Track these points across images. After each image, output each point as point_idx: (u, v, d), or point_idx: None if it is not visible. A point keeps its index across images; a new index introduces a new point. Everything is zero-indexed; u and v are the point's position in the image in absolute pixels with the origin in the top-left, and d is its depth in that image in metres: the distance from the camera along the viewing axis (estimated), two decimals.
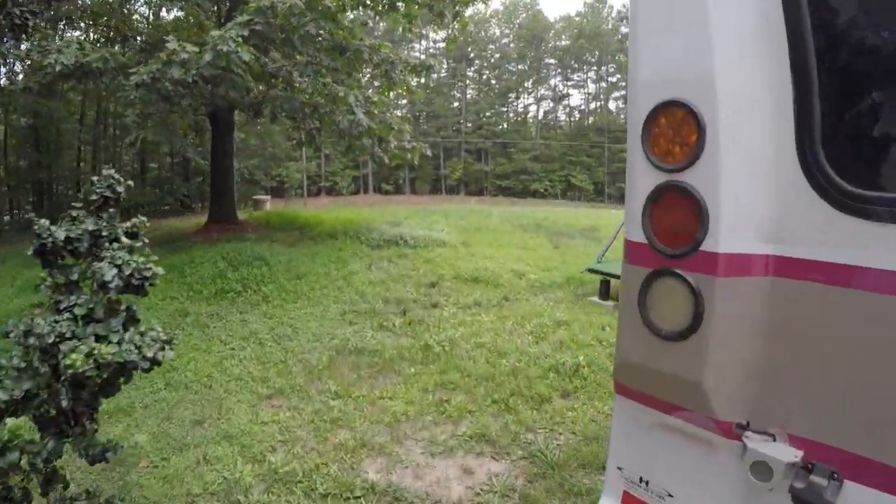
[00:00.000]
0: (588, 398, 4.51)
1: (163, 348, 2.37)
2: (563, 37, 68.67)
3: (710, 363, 1.42)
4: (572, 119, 71.27)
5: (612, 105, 70.19)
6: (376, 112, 12.17)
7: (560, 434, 3.97)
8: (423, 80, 59.55)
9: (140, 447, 3.83)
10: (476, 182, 63.58)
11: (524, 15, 67.49)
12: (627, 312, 1.57)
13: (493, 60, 67.75)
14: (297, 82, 11.32)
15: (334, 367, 5.13)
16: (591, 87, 70.35)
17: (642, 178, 1.61)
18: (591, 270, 8.25)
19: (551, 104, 70.68)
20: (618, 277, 7.83)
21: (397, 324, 6.39)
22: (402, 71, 11.59)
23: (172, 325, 6.45)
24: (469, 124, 65.53)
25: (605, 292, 7.94)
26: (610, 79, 70.01)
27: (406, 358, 5.27)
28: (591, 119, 69.23)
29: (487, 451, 3.74)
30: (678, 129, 1.41)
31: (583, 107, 71.04)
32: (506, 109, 69.42)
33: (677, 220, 1.42)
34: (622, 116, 69.15)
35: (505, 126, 67.47)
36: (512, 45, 67.45)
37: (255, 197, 25.13)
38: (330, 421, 4.12)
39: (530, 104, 71.02)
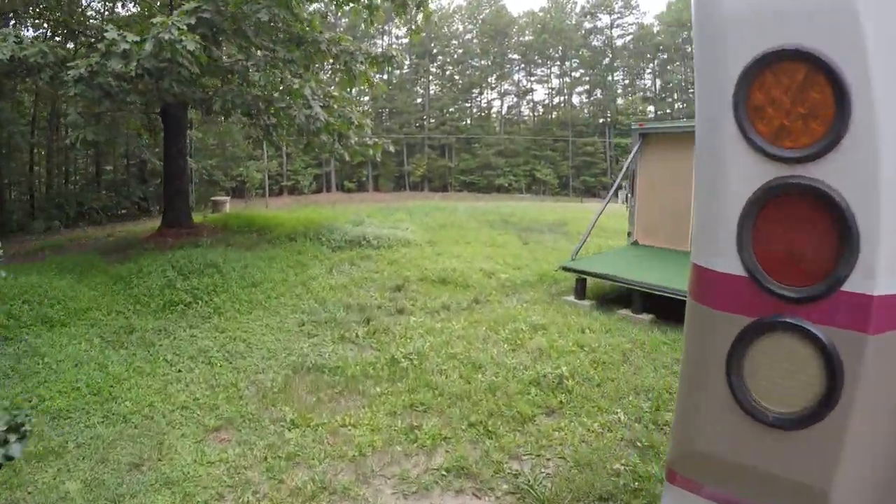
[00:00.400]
0: (575, 414, 4.11)
1: (5, 441, 1.70)
2: (527, 32, 68.78)
3: (847, 464, 0.90)
4: (536, 114, 71.59)
5: (575, 100, 70.95)
6: (336, 107, 11.55)
7: (548, 460, 3.54)
8: (385, 75, 58.83)
9: (70, 499, 3.25)
10: (440, 178, 63.16)
11: (488, 10, 67.26)
12: (704, 382, 1.07)
13: (456, 56, 67.46)
14: (252, 76, 10.64)
15: (291, 388, 4.58)
16: (555, 82, 70.82)
17: (737, 173, 0.98)
18: (565, 268, 7.90)
19: (515, 99, 70.91)
20: (594, 276, 7.55)
21: (360, 334, 5.87)
22: (362, 63, 10.98)
23: (116, 344, 5.79)
24: (432, 120, 65.09)
25: (580, 291, 7.60)
26: (573, 73, 70.56)
27: (371, 375, 4.74)
28: (554, 114, 69.63)
29: (468, 486, 3.29)
30: (800, 94, 0.85)
31: (546, 101, 71.50)
32: (469, 105, 69.24)
33: (801, 240, 0.89)
34: (586, 111, 69.95)
35: (468, 121, 67.32)
36: (475, 40, 67.27)
37: (213, 198, 24.12)
38: (285, 458, 3.59)
39: (494, 99, 71.10)
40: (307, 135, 11.51)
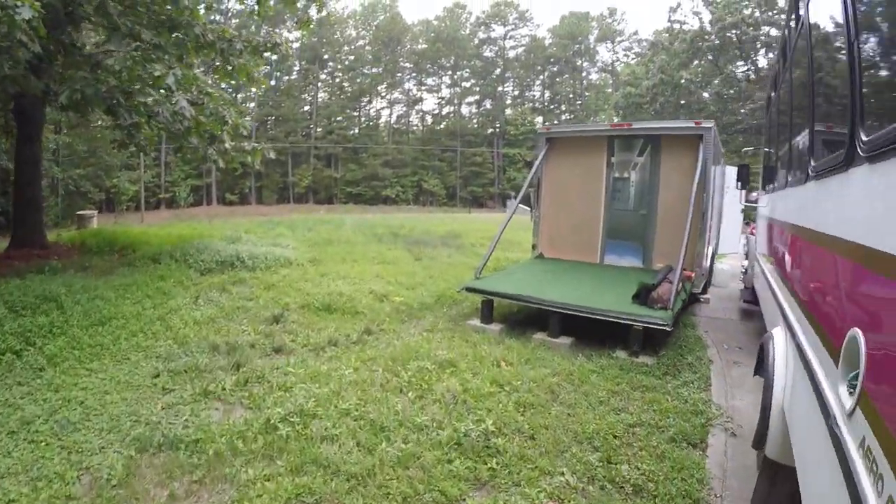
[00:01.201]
0: (513, 483, 3.37)
1: None
2: (421, 40, 68.82)
3: None
4: (425, 124, 71.79)
5: (464, 110, 72.07)
6: (210, 105, 10.03)
7: None
8: (273, 80, 55.44)
9: None
10: (326, 189, 61.33)
11: (382, 17, 66.39)
12: None
13: (347, 62, 65.91)
14: (108, 62, 8.91)
15: (134, 479, 3.41)
16: (445, 92, 71.53)
17: None
18: (468, 289, 7.28)
19: (404, 108, 70.63)
20: (502, 297, 6.94)
21: (228, 385, 4.77)
22: (241, 51, 9.52)
23: None
24: (319, 129, 63.09)
25: (487, 314, 7.04)
26: (464, 84, 71.53)
27: (241, 450, 3.68)
28: (443, 124, 70.15)
29: None
30: None
31: (436, 111, 72.04)
32: (358, 114, 68.03)
33: None
34: (475, 121, 71.04)
35: (356, 131, 66.15)
36: (368, 47, 66.15)
37: (79, 212, 21.04)
38: None
39: (383, 108, 70.63)
40: (176, 137, 9.96)
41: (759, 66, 37.86)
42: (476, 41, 69.82)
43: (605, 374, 5.34)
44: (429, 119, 71.09)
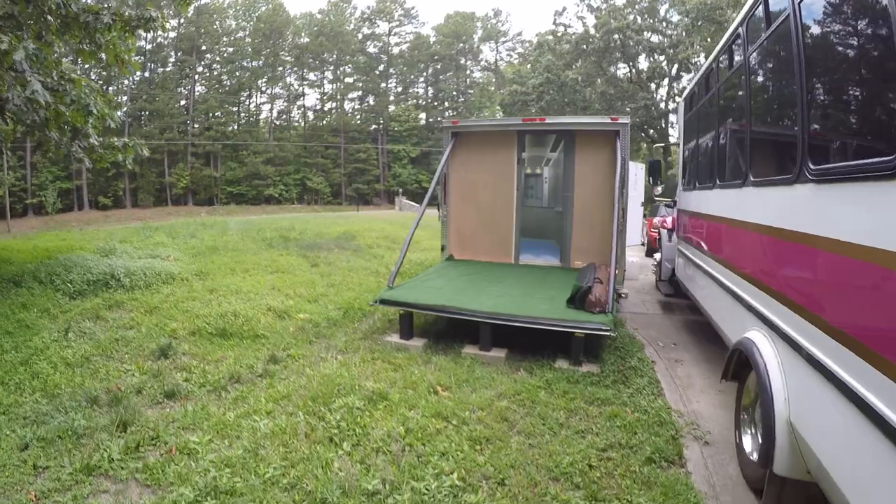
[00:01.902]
0: None
1: None
2: (304, 34, 65.73)
3: None
4: (307, 120, 68.88)
5: (347, 106, 70.14)
6: (73, 93, 8.07)
7: None
8: (142, 54, 49.63)
9: None
10: (205, 190, 57.08)
11: (264, 7, 62.40)
12: None
13: (226, 55, 61.41)
14: None
15: None
16: (328, 87, 68.97)
17: None
18: (383, 302, 6.40)
19: (286, 104, 67.30)
20: (424, 309, 6.16)
21: (116, 454, 3.54)
22: (109, 26, 7.66)
23: None
24: (196, 125, 58.37)
25: (407, 328, 6.25)
26: (347, 79, 69.33)
27: None
28: (326, 120, 67.67)
29: None
30: None
31: (318, 107, 69.25)
32: (237, 109, 63.73)
33: None
34: (358, 117, 69.28)
35: (236, 127, 61.92)
36: (248, 39, 62.04)
37: None
38: None
39: (264, 103, 66.87)
40: (31, 130, 7.99)
41: (640, 68, 40.32)
42: (360, 36, 68.30)
43: (553, 389, 4.87)
44: (311, 115, 68.47)
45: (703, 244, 5.96)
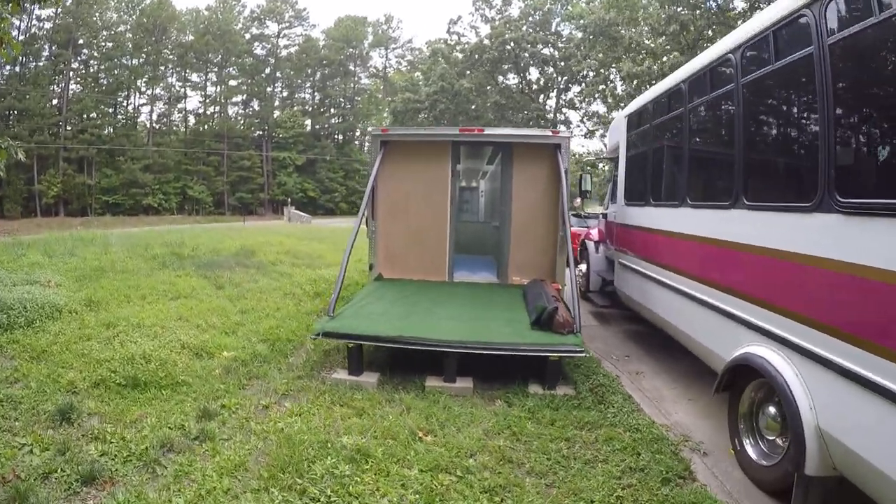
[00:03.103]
0: None
1: None
2: (189, 31, 60.40)
3: None
4: (188, 124, 63.84)
5: (231, 110, 65.91)
6: None
7: None
8: (18, 28, 42.28)
9: None
10: (79, 199, 50.84)
11: (148, 1, 56.41)
12: None
13: (105, 50, 54.76)
14: None
15: None
16: (211, 90, 64.28)
17: None
18: (327, 335, 5.57)
19: (166, 106, 61.69)
20: (377, 341, 5.48)
21: None
22: None
23: None
24: (70, 127, 51.57)
25: (357, 363, 5.50)
26: (231, 82, 65.00)
27: None
28: (207, 124, 63.01)
29: None
30: None
31: (201, 110, 64.34)
32: (114, 110, 57.23)
33: None
34: (242, 122, 65.49)
35: (112, 130, 55.61)
36: (129, 34, 55.71)
37: None
38: None
39: (143, 105, 60.76)
40: None
41: (530, 79, 41.65)
42: (248, 36, 64.54)
43: (539, 419, 4.61)
44: (192, 119, 63.60)
45: (666, 261, 5.93)
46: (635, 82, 28.51)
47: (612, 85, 33.96)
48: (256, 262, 12.55)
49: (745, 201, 4.16)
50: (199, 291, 9.02)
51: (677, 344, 5.91)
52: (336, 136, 71.97)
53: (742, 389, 3.99)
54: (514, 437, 4.25)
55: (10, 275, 8.00)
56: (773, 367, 3.48)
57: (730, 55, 4.52)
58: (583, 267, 10.13)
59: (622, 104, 30.79)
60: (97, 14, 52.73)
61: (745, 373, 3.88)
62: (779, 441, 3.68)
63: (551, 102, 44.48)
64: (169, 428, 4.13)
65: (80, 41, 52.10)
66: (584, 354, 5.31)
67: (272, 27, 65.93)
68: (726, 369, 4.03)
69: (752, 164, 4.30)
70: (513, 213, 8.32)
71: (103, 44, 54.22)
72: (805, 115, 3.76)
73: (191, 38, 59.73)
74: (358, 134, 75.00)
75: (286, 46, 67.04)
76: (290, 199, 52.57)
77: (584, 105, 42.45)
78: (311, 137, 66.26)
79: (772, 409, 3.74)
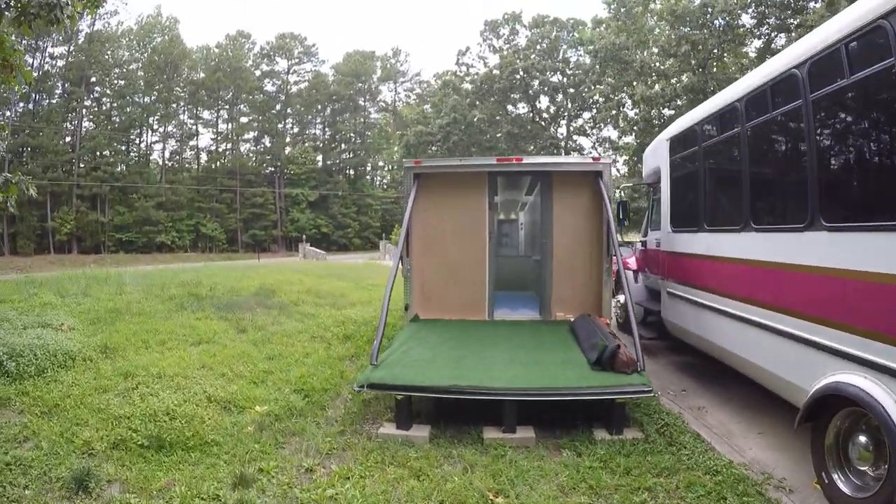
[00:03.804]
0: None
1: None
2: (200, 68, 61.53)
3: None
4: (200, 162, 64.64)
5: (243, 147, 66.58)
6: None
7: None
8: (31, 65, 43.03)
9: None
10: (92, 236, 51.05)
11: (159, 39, 57.56)
12: None
13: (117, 87, 55.74)
14: None
15: None
16: (223, 127, 65.06)
17: None
18: (372, 387, 5.05)
19: (178, 144, 62.55)
20: (426, 391, 4.98)
21: None
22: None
23: None
24: (83, 164, 52.19)
25: (405, 417, 4.95)
26: (242, 118, 65.89)
27: None
28: (220, 161, 63.72)
29: None
30: None
31: (213, 147, 65.11)
32: (126, 147, 57.95)
33: None
34: (254, 159, 66.18)
35: (125, 167, 56.33)
36: (141, 72, 56.75)
37: None
38: None
39: (155, 142, 61.56)
40: None
41: (540, 107, 41.69)
42: (259, 73, 65.46)
43: (612, 468, 4.25)
44: (204, 157, 64.20)
45: (729, 289, 5.64)
46: (642, 106, 28.36)
47: (623, 110, 33.82)
48: (278, 303, 12.05)
49: (824, 223, 3.95)
50: (221, 336, 8.53)
51: (733, 374, 5.83)
52: (348, 172, 72.29)
53: (828, 420, 3.82)
54: (592, 492, 3.90)
55: (20, 316, 7.57)
56: (869, 394, 3.35)
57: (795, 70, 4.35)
58: (620, 298, 9.68)
59: (636, 128, 30.62)
60: (109, 52, 53.54)
61: (833, 403, 3.74)
62: (870, 471, 3.53)
63: (562, 130, 44.47)
64: (202, 499, 3.62)
65: (93, 79, 52.89)
66: (653, 395, 5.02)
67: (282, 63, 66.95)
68: (812, 400, 3.85)
69: (832, 183, 4.12)
70: (554, 245, 7.93)
71: (115, 81, 54.93)
72: (884, 129, 3.66)
73: (202, 75, 60.52)
74: (369, 168, 75.43)
75: (296, 82, 67.91)
76: (304, 236, 52.35)
77: (595, 131, 42.46)
78: (322, 173, 66.53)
79: (862, 439, 3.59)
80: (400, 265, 7.39)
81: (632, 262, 9.56)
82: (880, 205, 3.60)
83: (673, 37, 25.75)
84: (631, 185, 16.45)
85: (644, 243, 9.26)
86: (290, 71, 67.53)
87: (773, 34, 26.12)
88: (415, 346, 6.26)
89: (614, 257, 6.83)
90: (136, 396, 5.26)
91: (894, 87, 3.24)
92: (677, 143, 7.38)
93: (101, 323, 8.22)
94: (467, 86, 42.16)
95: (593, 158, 7.79)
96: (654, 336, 8.43)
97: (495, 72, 40.19)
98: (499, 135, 40.54)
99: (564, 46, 42.64)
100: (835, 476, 3.74)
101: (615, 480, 4.04)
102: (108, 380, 5.78)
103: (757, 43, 27.79)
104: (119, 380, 5.80)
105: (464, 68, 44.72)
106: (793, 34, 23.32)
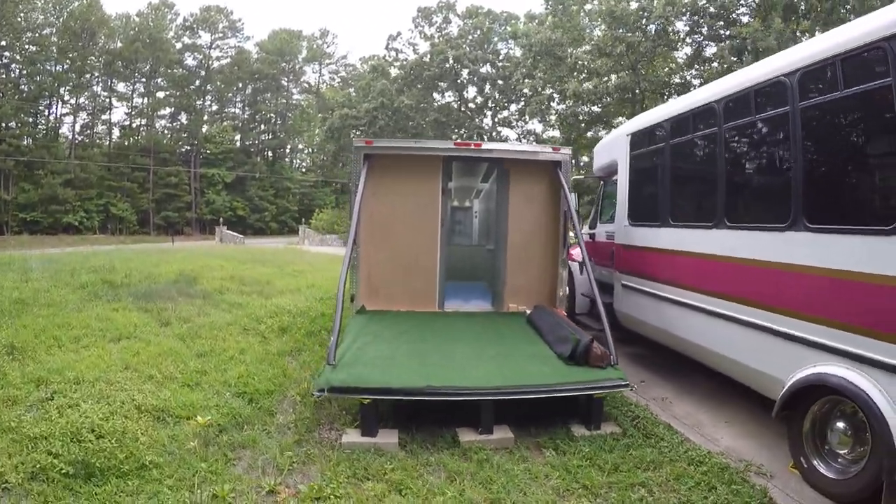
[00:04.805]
0: None
1: None
2: (118, 37, 56.23)
3: None
4: (112, 137, 59.54)
5: (158, 124, 61.89)
6: None
7: None
8: None
9: None
10: None
11: (77, 3, 51.87)
12: None
13: (28, 54, 49.92)
14: None
15: None
16: (138, 101, 60.19)
17: None
18: (334, 391, 4.56)
19: (90, 117, 57.08)
20: (396, 394, 4.59)
21: None
22: None
23: None
24: None
25: (371, 421, 4.51)
26: (159, 93, 61.13)
27: None
28: (133, 138, 59.04)
29: None
30: None
31: (126, 122, 60.16)
32: (34, 120, 52.27)
33: None
34: (169, 136, 61.97)
35: (32, 141, 51.05)
36: (55, 37, 50.91)
37: None
38: None
39: (66, 114, 56.03)
40: None
41: (467, 97, 41.61)
42: (180, 45, 61.08)
43: (600, 465, 4.20)
44: (116, 132, 59.35)
45: (696, 284, 5.73)
46: (571, 101, 28.94)
47: (552, 104, 34.34)
48: (201, 291, 11.07)
49: (807, 223, 4.11)
50: (142, 329, 7.62)
51: (690, 365, 6.07)
52: (266, 153, 69.48)
53: (806, 409, 4.04)
54: (590, 493, 3.82)
55: None
56: (853, 383, 3.57)
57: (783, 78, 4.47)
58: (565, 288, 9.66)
59: (567, 122, 31.21)
60: (22, 14, 48.09)
61: (812, 392, 3.96)
62: (847, 455, 3.81)
63: (487, 121, 44.77)
64: None
65: (2, 42, 47.30)
66: (630, 388, 5.01)
67: (205, 37, 63.06)
68: (792, 390, 4.04)
69: (815, 185, 4.28)
70: (509, 234, 7.67)
71: (27, 47, 49.38)
72: (879, 138, 3.84)
73: (119, 44, 55.74)
74: (289, 151, 72.86)
75: (218, 58, 64.18)
76: (221, 219, 49.73)
77: (520, 124, 42.97)
78: (241, 154, 63.50)
79: (840, 425, 3.85)
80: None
81: (576, 254, 9.54)
82: (858, 208, 3.93)
83: (609, 36, 26.32)
84: (582, 176, 16.55)
85: (592, 235, 9.23)
86: (213, 45, 63.81)
87: (703, 42, 27.36)
88: (370, 342, 5.79)
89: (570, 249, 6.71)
90: (53, 409, 4.43)
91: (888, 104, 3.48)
92: (641, 138, 7.34)
93: (4, 317, 7.11)
94: (396, 71, 41.42)
95: (553, 148, 7.58)
96: (601, 328, 8.44)
97: (426, 59, 39.70)
98: (424, 122, 40.12)
99: (496, 39, 42.81)
100: (814, 461, 3.95)
101: (606, 478, 3.99)
102: (16, 389, 4.88)
103: (687, 49, 29.08)
104: (31, 388, 4.92)
105: (393, 53, 43.94)
106: (724, 43, 24.49)
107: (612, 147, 8.30)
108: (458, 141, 8.47)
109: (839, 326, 3.79)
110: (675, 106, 6.75)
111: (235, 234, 42.47)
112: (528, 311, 7.23)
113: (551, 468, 4.14)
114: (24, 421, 4.22)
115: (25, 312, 7.43)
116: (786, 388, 4.09)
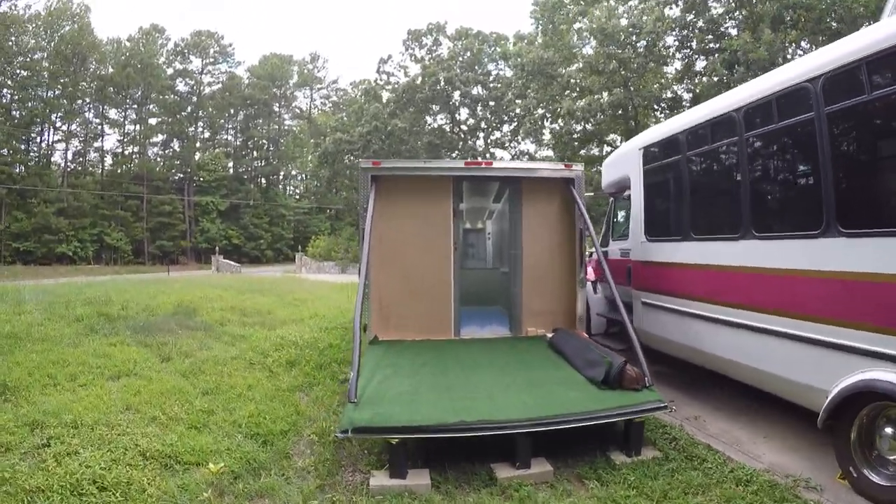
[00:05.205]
0: None
1: None
2: (109, 63, 56.27)
3: None
4: (105, 164, 59.41)
5: (151, 151, 61.92)
6: None
7: None
8: None
9: None
10: None
11: (68, 27, 51.86)
12: None
13: (19, 78, 49.90)
14: None
15: None
16: (130, 128, 60.15)
17: None
18: (358, 431, 4.21)
19: (82, 144, 56.91)
20: (421, 431, 4.21)
21: None
22: None
23: None
24: None
25: (400, 463, 4.17)
26: (151, 120, 61.15)
27: None
28: (126, 165, 59.02)
29: None
30: None
31: (119, 150, 60.04)
32: (26, 146, 51.94)
33: None
34: (162, 163, 61.78)
35: (24, 168, 50.62)
36: (46, 62, 50.89)
37: None
38: None
39: (58, 141, 55.72)
40: None
41: (459, 118, 41.71)
42: (171, 71, 61.21)
43: (648, 494, 4.00)
44: (109, 159, 59.19)
45: (727, 298, 5.58)
46: (564, 120, 29.00)
47: (546, 123, 34.43)
48: (201, 323, 10.71)
49: (841, 228, 4.09)
50: (142, 366, 7.26)
51: (715, 380, 6.03)
52: (259, 180, 69.34)
53: (853, 416, 3.99)
54: None
55: None
56: None
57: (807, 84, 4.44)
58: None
59: (562, 140, 31.18)
60: (14, 38, 47.94)
61: (859, 399, 3.90)
62: None
63: (480, 142, 44.91)
64: None
65: None
66: (669, 410, 4.99)
67: (196, 62, 63.32)
68: (838, 399, 3.98)
69: (848, 190, 4.25)
70: (524, 256, 7.45)
71: (18, 72, 49.12)
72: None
73: (111, 70, 55.74)
74: (282, 177, 72.78)
75: (209, 83, 64.43)
76: (217, 248, 49.33)
77: (513, 144, 43.13)
78: (234, 181, 63.39)
79: (889, 430, 3.84)
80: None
81: (590, 272, 9.31)
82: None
83: (601, 53, 26.45)
84: (591, 193, 16.42)
85: (605, 253, 9.03)
86: (204, 71, 64.05)
87: (693, 56, 27.56)
88: (390, 375, 5.46)
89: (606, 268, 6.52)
90: (50, 458, 4.08)
91: None
92: (654, 152, 7.17)
93: None
94: (388, 94, 41.59)
95: (565, 165, 7.41)
96: (623, 348, 8.20)
97: (417, 81, 39.89)
98: (418, 145, 40.22)
99: (486, 60, 43.12)
100: (864, 470, 3.91)
101: None
102: (10, 434, 4.50)
103: (677, 64, 29.29)
104: (25, 433, 4.55)
105: (384, 76, 44.16)
106: (714, 56, 24.64)
107: (623, 162, 8.13)
108: (469, 160, 8.27)
109: (884, 331, 3.75)
110: (691, 117, 6.61)
111: (232, 262, 42.11)
112: (549, 335, 6.98)
113: (598, 501, 3.92)
114: (18, 471, 3.85)
115: (18, 348, 7.06)
116: (831, 397, 4.03)
